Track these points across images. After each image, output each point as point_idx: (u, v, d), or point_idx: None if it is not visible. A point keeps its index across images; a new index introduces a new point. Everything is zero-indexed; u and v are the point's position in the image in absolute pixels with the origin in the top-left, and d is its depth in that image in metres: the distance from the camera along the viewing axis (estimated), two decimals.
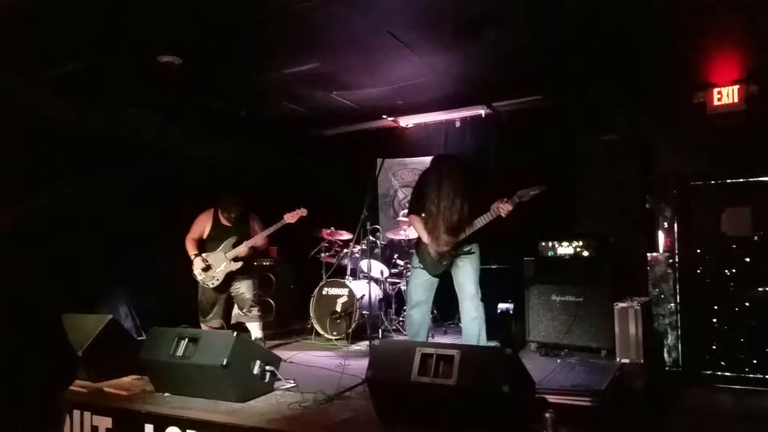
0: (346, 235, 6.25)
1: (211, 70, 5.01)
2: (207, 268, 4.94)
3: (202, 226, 5.10)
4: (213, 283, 4.95)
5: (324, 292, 5.95)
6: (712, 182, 4.86)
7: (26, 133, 4.82)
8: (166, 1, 3.71)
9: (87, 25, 4.01)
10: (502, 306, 5.18)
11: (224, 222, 5.09)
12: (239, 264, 5.00)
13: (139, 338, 5.16)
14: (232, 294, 5.08)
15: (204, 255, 4.98)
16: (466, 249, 4.20)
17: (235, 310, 5.13)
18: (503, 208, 4.00)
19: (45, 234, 4.76)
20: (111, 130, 5.64)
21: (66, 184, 5.01)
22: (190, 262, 4.99)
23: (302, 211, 5.05)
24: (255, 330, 5.09)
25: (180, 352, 3.64)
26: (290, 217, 5.02)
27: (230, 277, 5.01)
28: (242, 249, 4.97)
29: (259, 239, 5.03)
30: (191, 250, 5.01)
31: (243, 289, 5.06)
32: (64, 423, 3.35)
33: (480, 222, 4.11)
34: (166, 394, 3.71)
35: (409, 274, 5.10)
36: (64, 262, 4.84)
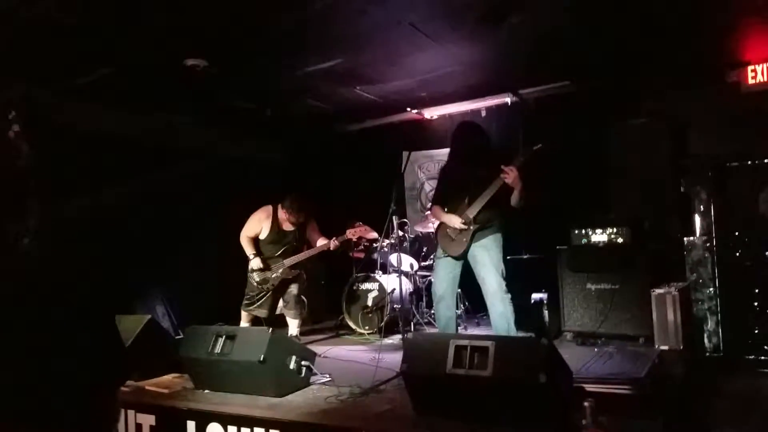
0: (373, 233, 6.29)
1: (236, 71, 5.07)
2: (264, 270, 4.98)
3: (259, 225, 5.07)
4: (267, 287, 5.03)
5: (355, 288, 6.02)
6: (749, 162, 4.77)
7: (59, 139, 4.96)
8: (192, 6, 3.78)
9: (118, 35, 4.10)
10: (535, 296, 5.16)
11: (284, 226, 5.07)
12: (296, 272, 5.08)
13: (176, 337, 5.30)
14: (281, 290, 5.15)
15: (262, 257, 5.00)
16: (484, 224, 4.14)
17: (281, 303, 5.20)
18: (509, 173, 3.94)
19: (82, 236, 4.90)
20: (145, 134, 5.76)
21: (99, 187, 5.14)
22: (245, 259, 4.99)
23: (363, 229, 5.06)
24: (293, 327, 5.18)
25: (218, 349, 3.71)
26: (352, 233, 5.06)
27: (284, 282, 5.08)
28: (301, 258, 5.01)
29: (317, 251, 5.04)
30: (249, 250, 4.99)
31: (293, 288, 5.14)
32: (118, 421, 3.47)
33: (490, 191, 4.06)
34: (206, 391, 3.80)
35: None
36: (101, 263, 4.97)
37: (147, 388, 3.94)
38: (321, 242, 5.06)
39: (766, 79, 5.00)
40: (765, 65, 5.00)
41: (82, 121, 5.24)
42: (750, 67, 5.07)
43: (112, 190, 5.16)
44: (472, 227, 4.14)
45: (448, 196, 4.33)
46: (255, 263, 4.96)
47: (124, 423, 3.63)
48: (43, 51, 4.24)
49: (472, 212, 4.14)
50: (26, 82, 4.70)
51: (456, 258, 4.26)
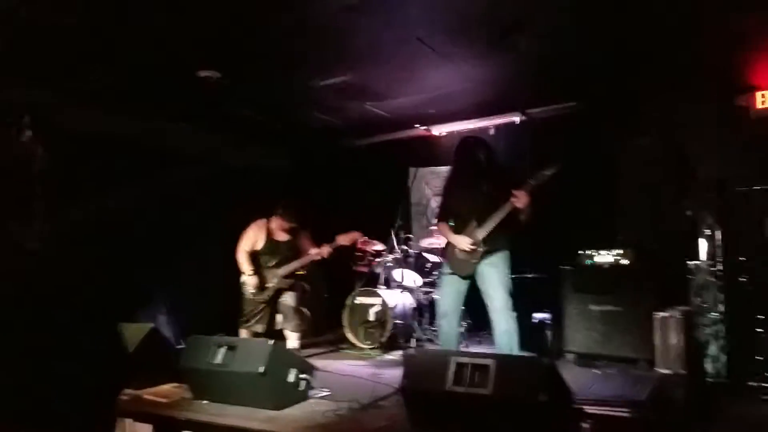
0: (378, 245, 6.30)
1: (247, 83, 5.13)
2: (260, 287, 5.02)
3: (254, 238, 5.11)
4: (263, 298, 5.04)
5: (357, 302, 6.00)
6: (756, 188, 4.74)
7: (67, 145, 5.00)
8: (207, 19, 3.84)
9: (127, 42, 4.16)
10: (538, 316, 5.14)
11: (277, 236, 5.11)
12: (291, 281, 5.09)
13: (178, 346, 5.29)
14: (277, 304, 5.15)
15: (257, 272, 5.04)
16: (493, 247, 4.12)
17: (278, 317, 5.20)
18: (519, 197, 3.91)
19: (86, 241, 4.91)
20: (150, 139, 5.79)
21: (104, 192, 5.17)
22: (236, 271, 5.03)
23: (356, 234, 5.09)
24: (292, 339, 5.16)
25: (218, 359, 3.71)
26: (344, 239, 5.07)
27: (278, 293, 5.09)
28: (295, 266, 5.03)
29: (311, 258, 5.06)
30: (246, 267, 5.02)
31: (288, 297, 5.12)
32: (115, 428, 3.46)
33: (499, 214, 4.02)
34: (205, 402, 3.79)
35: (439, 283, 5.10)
36: (105, 269, 4.99)
37: (146, 396, 3.94)
38: (313, 251, 5.09)
39: None
40: None
41: (87, 124, 5.27)
42: (759, 92, 5.09)
43: (117, 195, 5.19)
44: (480, 249, 4.13)
45: (454, 213, 4.32)
46: (251, 280, 5.00)
47: (122, 431, 3.63)
48: (46, 53, 4.27)
49: (480, 234, 4.11)
50: (32, 85, 4.75)
51: (463, 277, 4.26)
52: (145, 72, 4.72)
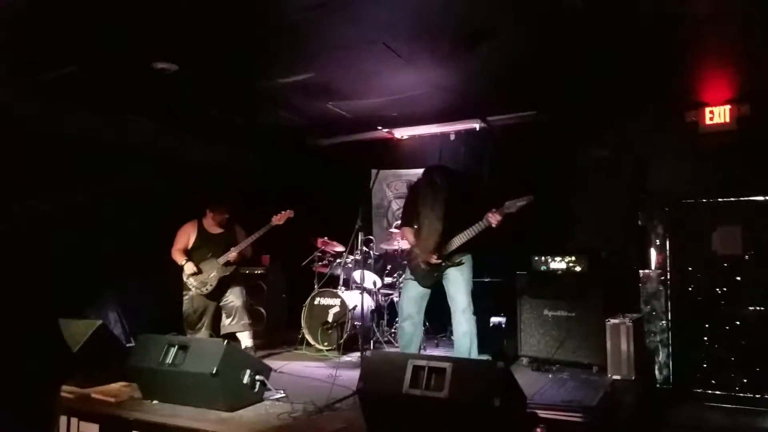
0: (339, 246, 6.25)
1: (206, 78, 5.00)
2: (198, 273, 4.92)
3: (187, 236, 5.10)
4: (207, 289, 4.94)
5: (316, 302, 5.93)
6: (704, 201, 4.90)
7: (15, 138, 4.80)
8: (162, 8, 3.71)
9: (79, 29, 3.99)
10: (494, 320, 5.18)
11: (210, 230, 5.12)
12: (231, 269, 5.01)
13: (128, 345, 5.13)
14: (221, 304, 5.06)
15: (193, 262, 4.96)
16: (457, 260, 4.22)
17: (224, 320, 5.11)
18: (493, 218, 4.02)
19: (33, 240, 4.73)
20: (102, 136, 5.62)
21: (55, 190, 4.98)
22: (180, 270, 4.96)
23: (289, 213, 5.11)
24: (245, 339, 5.07)
25: (169, 359, 3.61)
26: (278, 219, 5.08)
27: (223, 284, 4.99)
28: (233, 254, 4.98)
29: (248, 242, 5.05)
30: (180, 258, 4.99)
31: (232, 297, 5.06)
32: (57, 424, 3.31)
33: (471, 232, 4.14)
34: (155, 402, 3.68)
35: (401, 285, 5.10)
36: (52, 267, 4.79)
37: (93, 395, 3.80)
38: (248, 237, 5.09)
39: (723, 121, 5.19)
40: (722, 108, 5.19)
41: (42, 120, 5.09)
42: (708, 109, 5.26)
43: (69, 192, 5.01)
44: (444, 264, 4.20)
45: (419, 221, 4.33)
46: (188, 268, 4.94)
47: (67, 430, 3.48)
48: (4, 44, 4.09)
49: (447, 249, 4.17)
50: None
51: (425, 286, 4.30)
52: (101, 62, 4.54)
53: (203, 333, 5.01)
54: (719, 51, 4.38)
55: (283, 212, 5.11)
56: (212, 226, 5.13)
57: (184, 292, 5.04)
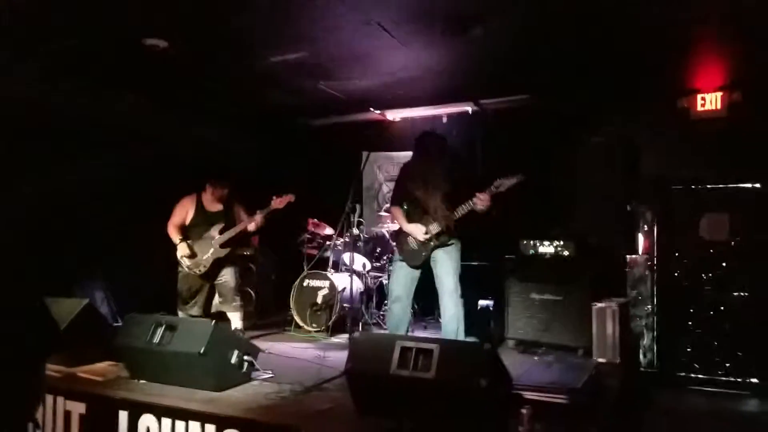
0: (329, 228, 6.24)
1: (197, 55, 4.94)
2: (193, 255, 4.87)
3: (184, 211, 4.98)
4: (200, 270, 4.89)
5: (305, 284, 5.94)
6: (692, 187, 4.93)
7: (18, 115, 4.72)
8: None
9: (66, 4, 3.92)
10: (481, 303, 5.22)
11: (209, 207, 5.00)
12: (227, 250, 4.95)
13: (115, 324, 5.11)
14: (216, 282, 5.02)
15: (189, 242, 4.90)
16: (446, 240, 4.21)
17: (216, 299, 5.08)
18: (480, 199, 4.01)
19: (21, 219, 4.68)
20: (90, 113, 5.53)
21: (42, 169, 4.92)
22: (174, 248, 4.90)
23: (290, 197, 4.98)
24: (235, 320, 5.06)
25: (157, 339, 3.60)
26: (278, 203, 4.96)
27: (217, 265, 4.95)
28: (231, 234, 4.91)
29: (247, 224, 4.95)
30: (175, 236, 4.89)
31: (227, 277, 5.00)
32: (42, 399, 3.30)
33: (459, 212, 4.13)
34: (142, 381, 3.67)
35: (391, 268, 5.11)
36: (39, 246, 4.75)
37: (79, 374, 3.79)
38: (248, 218, 5.00)
39: (714, 108, 5.21)
40: (714, 94, 5.21)
41: (31, 96, 5.00)
42: (699, 95, 5.27)
43: (57, 170, 4.95)
44: (433, 243, 4.19)
45: (409, 201, 4.33)
46: (181, 248, 4.85)
47: (52, 410, 3.47)
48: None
49: (435, 228, 4.16)
50: None
51: (413, 266, 4.30)
52: (91, 37, 4.46)
53: (195, 311, 4.97)
54: (711, 38, 4.37)
55: (284, 196, 4.98)
56: (211, 203, 4.99)
57: (179, 269, 4.96)
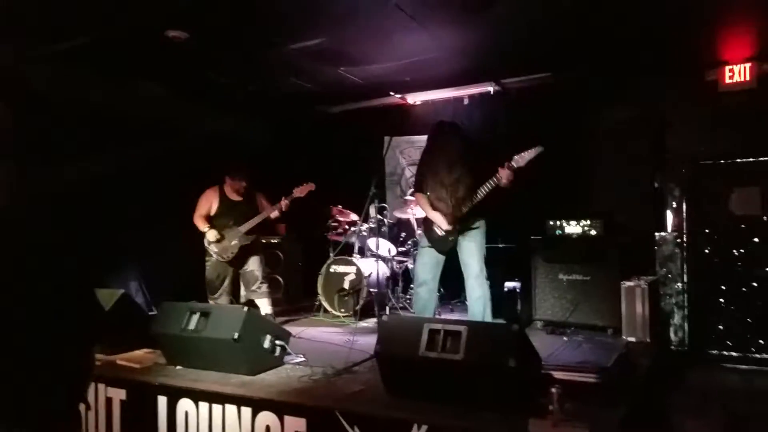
0: (353, 215, 6.31)
1: (218, 44, 5.00)
2: (220, 240, 5.02)
3: (209, 202, 5.15)
4: (228, 256, 5.05)
5: (332, 270, 6.03)
6: (722, 162, 4.87)
7: (31, 108, 4.84)
8: None
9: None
10: (508, 284, 5.23)
11: (232, 197, 5.16)
12: (252, 237, 5.11)
13: (150, 313, 5.26)
14: (241, 271, 5.16)
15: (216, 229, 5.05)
16: (472, 224, 4.24)
17: (243, 289, 5.22)
18: (503, 174, 4.02)
19: (52, 210, 4.80)
20: (118, 106, 5.64)
21: (73, 160, 5.04)
22: (202, 236, 5.05)
23: (310, 186, 5.15)
24: (264, 306, 5.18)
25: (192, 326, 3.71)
26: (299, 191, 5.13)
27: (243, 252, 5.10)
28: (255, 222, 5.06)
29: (270, 212, 5.11)
30: (202, 226, 5.06)
31: (252, 266, 5.16)
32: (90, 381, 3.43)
33: (482, 192, 4.14)
34: (179, 367, 3.79)
35: (416, 252, 5.15)
36: (73, 237, 4.88)
37: (119, 362, 3.92)
38: (271, 207, 5.16)
39: (742, 80, 5.10)
40: (742, 66, 5.09)
41: (56, 87, 5.11)
42: (728, 67, 5.16)
43: (87, 161, 5.07)
44: (458, 227, 4.23)
45: (432, 185, 4.36)
46: (210, 235, 5.02)
47: (95, 396, 3.62)
48: (10, 10, 4.11)
49: (459, 212, 4.19)
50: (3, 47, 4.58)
51: (440, 251, 4.34)
52: (114, 31, 4.55)
53: (224, 299, 5.14)
54: (739, 5, 4.27)
55: (305, 185, 5.14)
56: (233, 194, 5.17)
57: (206, 258, 5.14)
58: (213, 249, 5.06)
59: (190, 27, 4.54)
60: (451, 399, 2.95)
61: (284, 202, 5.08)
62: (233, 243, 5.05)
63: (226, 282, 5.16)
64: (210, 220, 5.12)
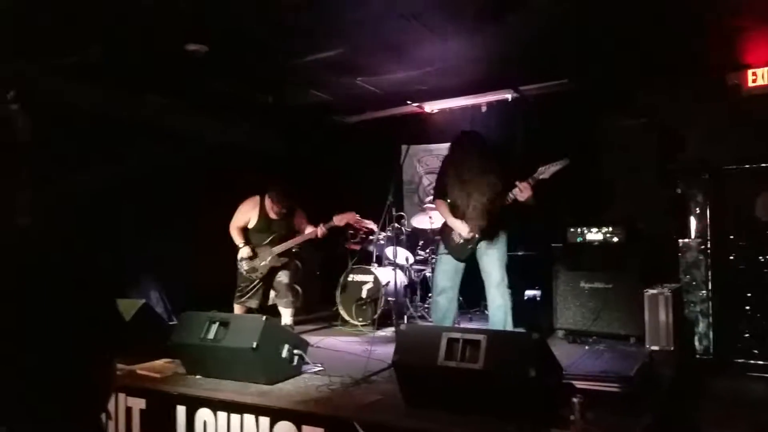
0: (371, 223, 6.31)
1: (236, 57, 5.07)
2: (252, 258, 5.03)
3: (248, 215, 5.13)
4: (256, 276, 5.07)
5: (350, 279, 6.03)
6: (746, 166, 4.79)
7: (51, 119, 4.94)
8: None
9: (114, 13, 4.09)
10: (529, 293, 5.20)
11: (271, 215, 5.11)
12: (285, 260, 5.11)
13: (170, 322, 5.31)
14: (272, 281, 5.18)
15: (251, 245, 5.05)
16: (492, 233, 4.22)
17: (272, 294, 5.24)
18: (521, 189, 3.99)
19: (74, 220, 4.88)
20: (136, 116, 5.73)
21: (94, 169, 5.12)
22: (232, 247, 5.05)
23: (352, 215, 5.11)
24: (286, 316, 5.20)
25: (211, 335, 3.73)
26: (339, 220, 5.09)
27: (273, 271, 5.11)
28: (289, 245, 5.06)
29: (306, 237, 5.09)
30: (239, 240, 5.06)
31: (282, 277, 5.16)
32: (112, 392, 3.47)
33: (499, 204, 4.13)
34: (198, 377, 3.81)
35: (434, 261, 5.14)
36: (94, 248, 4.96)
37: (139, 372, 3.95)
38: (309, 230, 5.12)
39: (765, 83, 5.02)
40: (765, 69, 5.02)
41: (74, 98, 5.21)
42: (750, 71, 5.10)
43: (107, 172, 5.15)
44: (477, 236, 4.21)
45: (452, 192, 4.36)
46: (244, 252, 5.03)
47: (115, 405, 3.65)
48: (31, 24, 4.20)
49: (479, 222, 4.17)
50: (18, 58, 4.67)
51: (459, 259, 4.33)
52: (133, 45, 4.64)
53: (253, 303, 5.12)
54: (762, 6, 4.21)
55: (346, 213, 5.09)
56: (273, 210, 5.10)
57: (238, 267, 5.13)
58: (243, 265, 5.06)
59: (209, 41, 4.61)
60: (470, 409, 2.93)
61: (321, 230, 5.05)
62: (263, 264, 5.05)
63: (255, 288, 5.13)
64: (246, 232, 5.11)
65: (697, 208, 4.93)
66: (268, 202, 5.10)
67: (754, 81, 5.09)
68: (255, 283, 5.12)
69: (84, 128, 5.17)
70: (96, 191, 5.10)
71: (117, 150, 5.40)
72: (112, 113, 5.52)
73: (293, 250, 5.40)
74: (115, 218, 5.34)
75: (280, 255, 5.06)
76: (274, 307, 5.23)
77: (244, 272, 5.07)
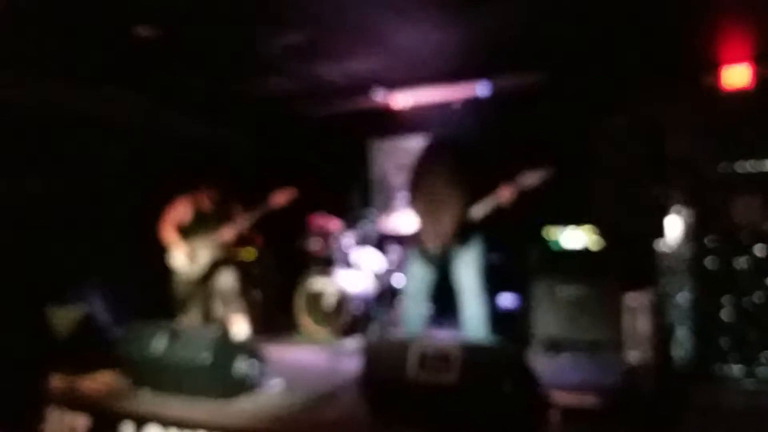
0: (335, 224, 6.23)
1: (190, 42, 4.93)
2: (188, 257, 4.91)
3: (179, 212, 5.04)
4: (196, 274, 4.93)
5: (312, 285, 5.93)
6: (723, 170, 4.87)
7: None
8: None
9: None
10: (504, 299, 5.20)
11: (204, 209, 5.05)
12: (225, 251, 5.00)
13: (116, 332, 5.14)
14: (214, 287, 5.05)
15: (184, 244, 4.94)
16: (465, 239, 4.20)
17: (217, 305, 5.11)
18: (504, 195, 3.99)
19: (13, 223, 4.72)
20: (79, 109, 5.55)
21: (34, 164, 4.95)
22: (167, 251, 4.95)
23: (291, 192, 4.97)
24: (239, 324, 5.08)
25: (160, 347, 3.64)
26: (277, 199, 4.96)
27: (214, 267, 4.98)
28: (228, 234, 4.94)
29: (244, 223, 4.98)
30: (170, 239, 4.95)
31: (226, 279, 5.04)
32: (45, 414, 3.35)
33: (479, 210, 4.11)
34: (146, 392, 3.71)
35: (404, 265, 5.09)
36: (36, 253, 4.79)
37: (81, 385, 3.83)
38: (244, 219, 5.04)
39: (742, 83, 5.13)
40: (742, 68, 5.13)
41: (11, 91, 5.01)
42: (727, 70, 5.20)
43: (49, 167, 4.97)
44: (449, 242, 4.19)
45: (423, 201, 4.31)
46: (176, 251, 4.92)
47: (56, 421, 3.52)
48: None
49: (453, 229, 4.14)
50: None
51: (432, 262, 4.30)
52: (75, 29, 4.47)
53: (194, 317, 5.01)
54: (739, 5, 4.30)
55: (284, 190, 4.98)
56: (206, 205, 5.06)
57: (175, 275, 5.02)
58: (180, 266, 4.94)
59: (160, 24, 4.47)
60: (443, 425, 2.89)
61: (258, 212, 4.95)
62: (203, 261, 4.93)
63: (196, 299, 5.02)
64: (180, 231, 5.00)
65: (676, 212, 5.00)
66: (200, 194, 5.04)
67: (730, 81, 5.19)
68: (192, 293, 5.01)
69: (25, 123, 4.98)
70: (38, 188, 4.93)
71: (61, 144, 5.22)
72: (56, 106, 5.32)
73: (237, 254, 5.34)
74: (59, 218, 5.15)
75: (219, 247, 4.94)
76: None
77: (183, 272, 4.92)
